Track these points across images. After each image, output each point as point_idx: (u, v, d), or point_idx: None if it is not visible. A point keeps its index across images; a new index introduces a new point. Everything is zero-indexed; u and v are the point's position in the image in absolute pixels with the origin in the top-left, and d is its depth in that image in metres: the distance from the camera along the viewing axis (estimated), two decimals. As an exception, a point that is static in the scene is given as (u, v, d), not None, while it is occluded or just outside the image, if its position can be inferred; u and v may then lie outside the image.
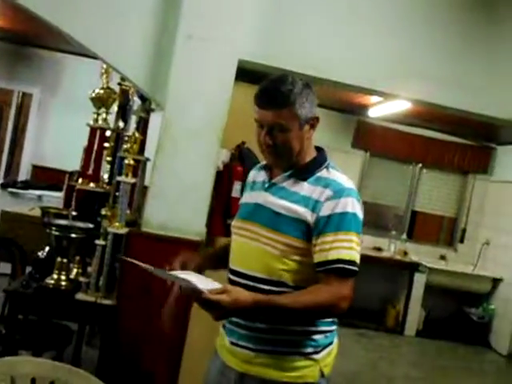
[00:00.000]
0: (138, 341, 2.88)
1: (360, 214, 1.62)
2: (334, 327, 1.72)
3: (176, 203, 2.91)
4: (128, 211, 3.07)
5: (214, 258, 1.96)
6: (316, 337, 1.65)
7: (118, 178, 2.99)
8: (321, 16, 3.16)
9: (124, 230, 2.88)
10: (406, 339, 6.31)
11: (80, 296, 2.88)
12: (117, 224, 2.90)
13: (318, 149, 1.75)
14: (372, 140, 6.87)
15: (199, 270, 1.77)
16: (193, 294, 1.48)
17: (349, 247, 1.55)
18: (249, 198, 1.79)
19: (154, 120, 3.48)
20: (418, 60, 3.30)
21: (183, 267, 1.74)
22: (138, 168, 3.22)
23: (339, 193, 1.60)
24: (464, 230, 7.07)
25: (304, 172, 1.67)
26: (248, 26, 2.98)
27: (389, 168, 7.07)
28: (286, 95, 1.60)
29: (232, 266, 1.74)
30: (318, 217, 1.58)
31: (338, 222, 1.56)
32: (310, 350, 1.64)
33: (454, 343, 6.31)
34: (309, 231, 1.59)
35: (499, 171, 6.90)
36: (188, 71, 2.90)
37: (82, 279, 2.97)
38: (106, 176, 3.54)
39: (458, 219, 7.17)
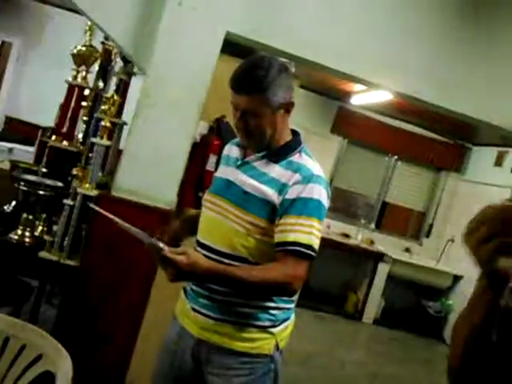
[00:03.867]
0: (98, 303, 2.87)
1: (325, 202, 1.65)
2: (291, 305, 1.78)
3: (149, 170, 2.88)
4: (100, 174, 3.04)
5: (192, 223, 1.95)
6: (274, 312, 1.71)
7: (93, 140, 2.95)
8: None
9: (94, 192, 2.85)
10: (363, 326, 6.43)
11: (43, 254, 2.85)
12: (87, 185, 2.87)
13: (294, 132, 1.78)
14: (351, 127, 6.89)
15: (177, 237, 1.84)
16: (152, 250, 1.51)
17: (308, 232, 1.60)
18: (222, 172, 1.82)
19: (135, 84, 3.43)
20: (405, 53, 3.30)
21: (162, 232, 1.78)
22: (114, 131, 3.18)
23: (307, 178, 1.63)
24: (431, 225, 7.19)
25: (277, 154, 1.70)
26: (239, -1, 2.94)
27: (365, 157, 7.12)
28: (258, 82, 1.61)
29: (199, 238, 1.78)
30: (283, 199, 1.62)
31: (302, 206, 1.61)
32: (267, 323, 1.70)
33: (409, 334, 6.46)
34: (274, 213, 1.64)
35: (471, 171, 7.01)
36: (174, 38, 2.85)
37: (46, 237, 2.94)
38: (80, 135, 3.49)
39: (427, 214, 7.28)
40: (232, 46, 3.01)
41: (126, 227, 1.56)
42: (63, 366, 1.76)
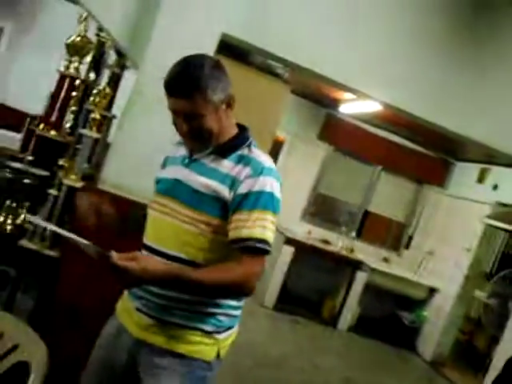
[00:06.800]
0: (76, 295, 2.85)
1: (278, 194, 1.62)
2: (238, 312, 1.74)
3: (137, 166, 2.86)
4: (86, 165, 3.02)
5: None
6: (221, 318, 1.66)
7: (82, 131, 2.94)
8: (313, 5, 3.14)
9: (79, 184, 2.83)
10: (338, 332, 6.47)
11: (24, 242, 2.82)
12: (73, 176, 2.85)
13: (241, 127, 1.73)
14: (338, 135, 6.94)
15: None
16: (100, 260, 1.45)
17: (262, 226, 1.56)
18: (167, 172, 1.76)
19: (127, 77, 3.42)
20: (396, 66, 3.34)
21: None
22: (104, 123, 3.16)
23: (258, 171, 1.59)
24: (411, 237, 7.27)
25: (225, 149, 1.66)
26: (238, 1, 2.94)
27: (350, 165, 7.17)
28: (195, 81, 1.55)
29: (146, 241, 1.72)
30: (235, 194, 1.58)
31: (254, 201, 1.56)
32: (213, 328, 1.65)
33: (383, 343, 6.51)
34: (226, 209, 1.59)
35: (454, 186, 7.09)
36: (170, 35, 2.84)
37: (28, 226, 2.91)
38: (67, 125, 3.46)
39: (407, 226, 7.36)
40: (230, 49, 3.02)
41: (71, 238, 1.49)
42: (39, 356, 1.75)
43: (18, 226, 2.91)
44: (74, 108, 3.42)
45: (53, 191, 2.85)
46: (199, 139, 1.63)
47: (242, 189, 1.57)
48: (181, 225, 1.61)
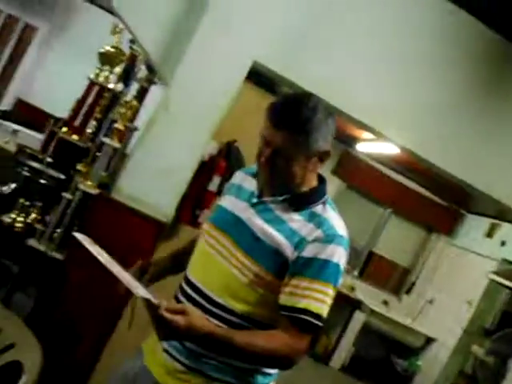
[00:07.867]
0: (75, 301, 2.85)
1: (343, 266, 1.49)
2: (275, 370, 1.61)
3: (153, 179, 2.89)
4: (103, 173, 3.05)
5: (164, 269, 1.79)
6: (253, 373, 1.54)
7: (104, 139, 2.97)
8: (347, 45, 3.18)
9: (95, 191, 2.86)
10: (329, 370, 6.38)
11: (32, 242, 2.84)
12: (89, 182, 2.88)
13: (320, 178, 1.62)
14: (352, 172, 6.95)
15: (160, 274, 1.75)
16: (145, 304, 1.36)
17: (321, 300, 1.44)
18: (230, 203, 1.61)
19: (153, 91, 3.48)
20: (418, 112, 3.36)
21: (141, 275, 1.68)
22: (125, 134, 3.20)
23: (330, 238, 1.46)
24: (413, 283, 7.21)
25: (299, 202, 1.52)
26: (274, 32, 2.98)
27: (360, 204, 7.16)
28: (303, 121, 1.45)
29: (189, 274, 1.60)
30: (298, 255, 1.44)
31: (318, 269, 1.44)
32: None
33: (373, 387, 6.42)
34: (284, 267, 1.46)
35: (462, 237, 7.05)
36: (203, 57, 2.89)
37: (37, 226, 2.93)
38: (89, 131, 3.50)
39: (411, 271, 7.31)
40: (258, 76, 3.06)
41: (115, 271, 1.40)
42: (33, 358, 1.74)
43: (28, 225, 2.93)
44: (98, 115, 3.47)
45: (67, 195, 2.88)
46: (274, 179, 1.51)
47: (308, 252, 1.44)
48: (230, 270, 1.49)
